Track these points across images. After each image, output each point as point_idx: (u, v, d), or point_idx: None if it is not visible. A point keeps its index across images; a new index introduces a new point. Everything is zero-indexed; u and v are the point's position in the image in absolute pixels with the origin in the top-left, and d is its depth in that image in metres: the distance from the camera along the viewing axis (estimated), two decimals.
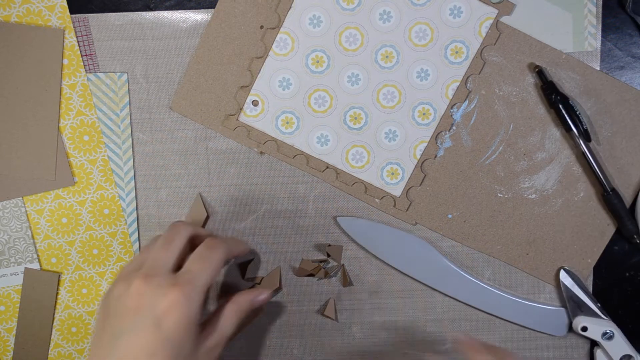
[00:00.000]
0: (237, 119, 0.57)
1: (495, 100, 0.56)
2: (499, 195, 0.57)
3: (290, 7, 0.55)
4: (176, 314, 0.44)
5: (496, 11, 0.54)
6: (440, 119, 0.56)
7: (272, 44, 0.55)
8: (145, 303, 0.44)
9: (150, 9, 0.56)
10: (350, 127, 0.57)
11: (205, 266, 0.47)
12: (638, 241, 0.55)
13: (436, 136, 0.56)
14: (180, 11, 0.56)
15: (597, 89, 0.55)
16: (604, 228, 0.57)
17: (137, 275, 0.46)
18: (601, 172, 0.54)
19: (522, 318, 0.58)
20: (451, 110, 0.56)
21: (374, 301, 0.59)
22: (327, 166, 0.57)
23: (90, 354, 0.46)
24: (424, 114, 0.56)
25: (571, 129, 0.54)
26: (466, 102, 0.56)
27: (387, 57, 0.55)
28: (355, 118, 0.56)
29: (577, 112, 0.54)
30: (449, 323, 0.60)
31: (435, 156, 0.57)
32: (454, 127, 0.56)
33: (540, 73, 0.54)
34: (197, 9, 0.56)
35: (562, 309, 0.58)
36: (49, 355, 0.60)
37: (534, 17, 0.54)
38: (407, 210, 0.57)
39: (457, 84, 0.55)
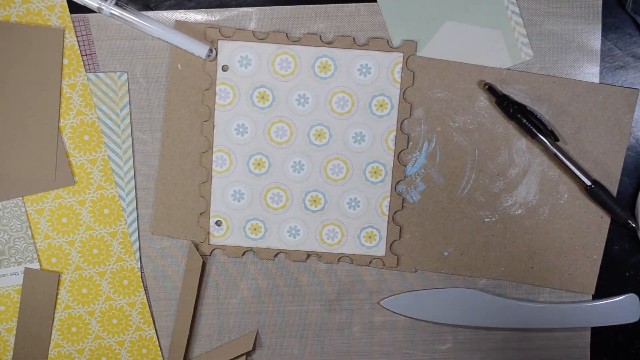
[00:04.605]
0: (208, 244, 0.58)
1: (452, 133, 0.56)
2: (486, 220, 0.57)
3: (213, 127, 0.56)
4: None
5: (401, 54, 0.55)
6: (392, 170, 0.56)
7: (212, 165, 0.56)
8: None
9: (151, 9, 0.56)
10: (314, 211, 0.57)
11: None
12: (633, 225, 0.55)
13: (395, 186, 0.57)
14: (180, 11, 0.56)
15: (547, 93, 0.55)
16: (599, 221, 0.57)
17: None
18: (577, 168, 0.55)
19: (591, 319, 0.58)
20: (399, 158, 0.56)
21: (374, 301, 0.59)
22: (308, 254, 0.58)
23: None
24: (375, 172, 0.57)
25: (536, 135, 0.54)
26: (426, 143, 0.56)
27: (319, 135, 0.56)
28: (315, 201, 0.57)
29: (538, 116, 0.54)
30: None
31: (403, 207, 0.57)
32: (414, 170, 0.57)
33: (491, 89, 0.54)
34: (197, 8, 0.56)
35: (633, 294, 0.57)
36: (49, 355, 0.59)
37: (465, 44, 0.55)
38: (397, 264, 0.58)
39: (395, 132, 0.56)
